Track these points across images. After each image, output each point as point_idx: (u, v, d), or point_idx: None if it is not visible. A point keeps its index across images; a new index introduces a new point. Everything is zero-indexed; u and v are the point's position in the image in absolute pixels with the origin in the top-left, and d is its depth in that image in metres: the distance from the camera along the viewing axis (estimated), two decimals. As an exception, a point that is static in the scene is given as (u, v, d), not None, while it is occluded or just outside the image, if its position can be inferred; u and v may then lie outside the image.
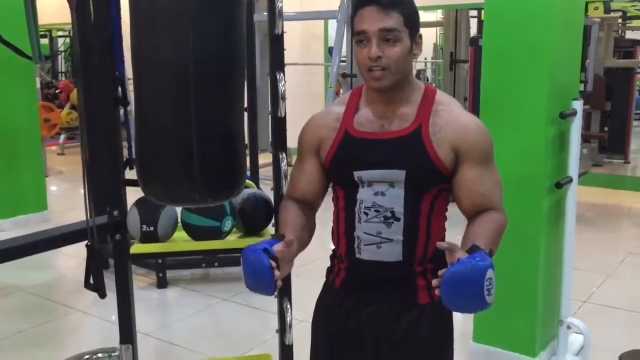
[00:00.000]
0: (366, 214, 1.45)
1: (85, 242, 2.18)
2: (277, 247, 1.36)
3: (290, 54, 7.51)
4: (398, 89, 1.44)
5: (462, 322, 3.22)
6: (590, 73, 6.60)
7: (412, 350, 1.51)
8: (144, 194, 1.88)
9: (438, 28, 9.41)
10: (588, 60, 6.46)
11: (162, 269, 3.85)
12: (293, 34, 7.40)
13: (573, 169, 2.73)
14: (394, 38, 1.38)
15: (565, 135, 2.72)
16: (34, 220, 5.17)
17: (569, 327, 2.86)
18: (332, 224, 1.55)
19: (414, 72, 10.83)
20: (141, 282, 4.03)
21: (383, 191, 1.44)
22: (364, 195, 1.45)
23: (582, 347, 2.90)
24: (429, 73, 10.94)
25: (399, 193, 1.43)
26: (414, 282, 1.49)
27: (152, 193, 1.82)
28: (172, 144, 1.73)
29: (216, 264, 3.94)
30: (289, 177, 1.63)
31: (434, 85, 10.15)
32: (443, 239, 1.50)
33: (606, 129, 7.50)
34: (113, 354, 2.38)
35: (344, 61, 6.44)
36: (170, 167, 1.74)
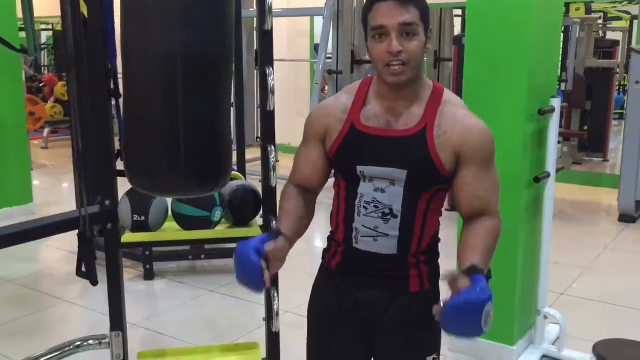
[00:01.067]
0: (365, 208, 1.49)
1: (77, 231, 2.24)
2: (269, 247, 1.39)
3: (276, 50, 7.56)
4: (410, 85, 1.45)
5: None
6: (570, 72, 6.73)
7: (402, 334, 1.56)
8: (131, 184, 1.90)
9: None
10: (568, 60, 6.59)
11: (149, 261, 3.90)
12: (279, 31, 7.45)
13: (551, 165, 2.82)
14: (413, 32, 1.38)
15: (544, 132, 2.82)
16: (19, 213, 5.17)
17: (545, 317, 2.96)
18: (331, 209, 1.59)
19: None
20: (128, 274, 4.07)
21: (383, 188, 1.47)
22: (365, 190, 1.48)
23: (558, 336, 3.00)
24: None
25: (398, 191, 1.46)
26: (407, 273, 1.53)
27: (139, 183, 1.85)
28: (159, 134, 1.75)
29: (203, 257, 4.00)
30: (293, 164, 1.64)
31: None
32: (437, 234, 1.57)
33: (586, 127, 7.65)
34: (103, 341, 2.43)
35: (329, 58, 6.50)
36: (157, 157, 1.76)
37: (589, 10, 7.57)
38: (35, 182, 6.16)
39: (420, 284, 1.54)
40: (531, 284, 2.96)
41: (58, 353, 2.36)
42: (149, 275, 3.93)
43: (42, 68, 12.31)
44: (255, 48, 7.28)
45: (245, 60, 6.74)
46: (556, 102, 2.79)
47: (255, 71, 7.34)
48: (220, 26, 1.81)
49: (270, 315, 2.44)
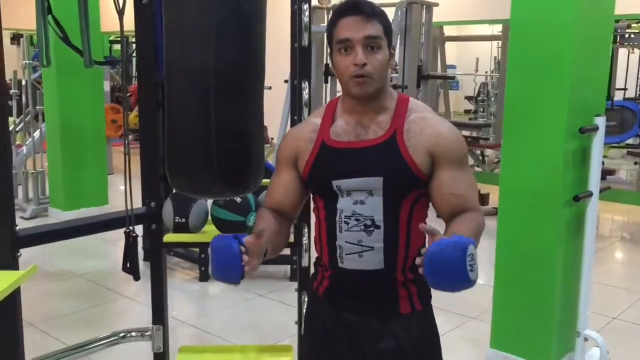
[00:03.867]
0: (347, 223, 1.47)
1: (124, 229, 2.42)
2: (247, 239, 1.37)
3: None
4: (376, 98, 1.47)
5: (479, 329, 3.30)
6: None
7: None
8: (171, 185, 2.08)
9: (498, 42, 9.38)
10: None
11: (205, 263, 4.10)
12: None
13: (594, 184, 2.77)
14: (377, 45, 1.42)
15: (587, 150, 2.77)
16: (93, 214, 5.51)
17: (586, 340, 2.89)
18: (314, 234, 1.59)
19: (477, 86, 10.67)
20: (186, 275, 4.31)
21: (362, 200, 1.46)
22: (344, 204, 1.47)
23: (600, 360, 2.93)
24: (490, 87, 10.87)
25: (377, 201, 1.45)
26: (396, 292, 1.51)
27: (177, 185, 2.02)
28: (194, 141, 1.90)
29: (255, 261, 4.15)
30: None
31: (492, 99, 10.09)
32: (423, 244, 1.49)
33: (669, 148, 7.30)
34: (145, 334, 2.61)
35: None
36: (192, 162, 1.92)
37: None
38: (116, 185, 6.56)
39: (410, 305, 1.52)
40: (573, 306, 2.91)
41: (103, 342, 2.55)
42: (204, 277, 4.13)
43: (132, 79, 13.04)
44: (325, 62, 7.45)
45: (314, 73, 6.95)
46: (601, 121, 2.74)
47: (325, 85, 7.50)
48: (251, 44, 1.94)
49: (301, 319, 2.53)
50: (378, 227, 1.46)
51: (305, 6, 2.32)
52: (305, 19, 2.33)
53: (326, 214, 1.51)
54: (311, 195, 1.64)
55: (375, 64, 1.42)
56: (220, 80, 1.89)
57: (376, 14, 1.44)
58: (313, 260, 1.66)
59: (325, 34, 7.09)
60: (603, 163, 7.32)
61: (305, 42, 2.37)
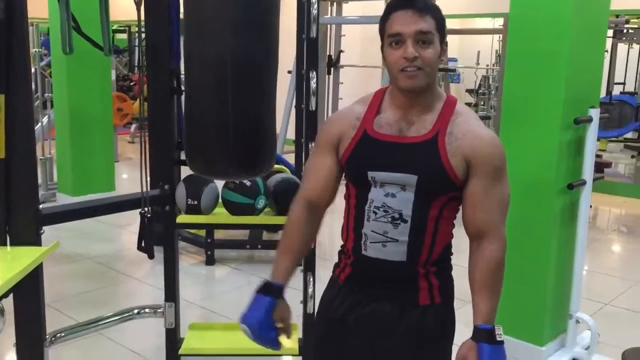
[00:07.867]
0: (375, 213, 1.49)
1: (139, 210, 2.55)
2: (277, 318, 1.55)
3: (349, 56, 7.81)
4: (423, 94, 1.47)
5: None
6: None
7: (410, 352, 1.54)
8: (190, 168, 2.21)
9: (499, 35, 9.48)
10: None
11: (211, 247, 4.23)
12: (353, 37, 7.71)
13: (587, 173, 2.89)
14: (428, 40, 1.41)
15: (582, 141, 2.89)
16: (102, 200, 5.65)
17: (578, 322, 3.02)
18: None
19: (478, 79, 10.68)
20: (192, 259, 4.44)
21: (394, 193, 1.47)
22: (375, 195, 1.49)
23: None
24: (490, 80, 10.96)
25: (409, 196, 1.46)
26: (416, 283, 1.52)
27: (196, 167, 2.15)
28: (212, 127, 2.04)
29: (259, 246, 4.29)
30: (303, 177, 1.69)
31: (493, 93, 10.19)
32: (449, 247, 1.56)
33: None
34: (158, 310, 2.74)
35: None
36: (211, 146, 2.05)
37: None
38: (121, 173, 6.69)
39: (430, 297, 1.53)
40: (566, 290, 3.04)
41: (118, 318, 2.68)
42: (210, 261, 4.26)
43: (135, 68, 13.13)
44: (328, 53, 7.55)
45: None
46: (595, 112, 2.86)
47: (328, 76, 7.61)
48: (265, 35, 2.06)
49: (306, 298, 2.66)
50: (405, 222, 1.48)
51: (314, -1, 2.44)
52: (314, 11, 2.44)
53: (356, 201, 1.54)
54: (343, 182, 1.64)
55: (426, 57, 1.42)
56: (237, 70, 2.01)
57: (429, 8, 1.43)
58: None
59: (328, 26, 7.15)
60: (601, 156, 7.48)
61: (313, 34, 2.48)
